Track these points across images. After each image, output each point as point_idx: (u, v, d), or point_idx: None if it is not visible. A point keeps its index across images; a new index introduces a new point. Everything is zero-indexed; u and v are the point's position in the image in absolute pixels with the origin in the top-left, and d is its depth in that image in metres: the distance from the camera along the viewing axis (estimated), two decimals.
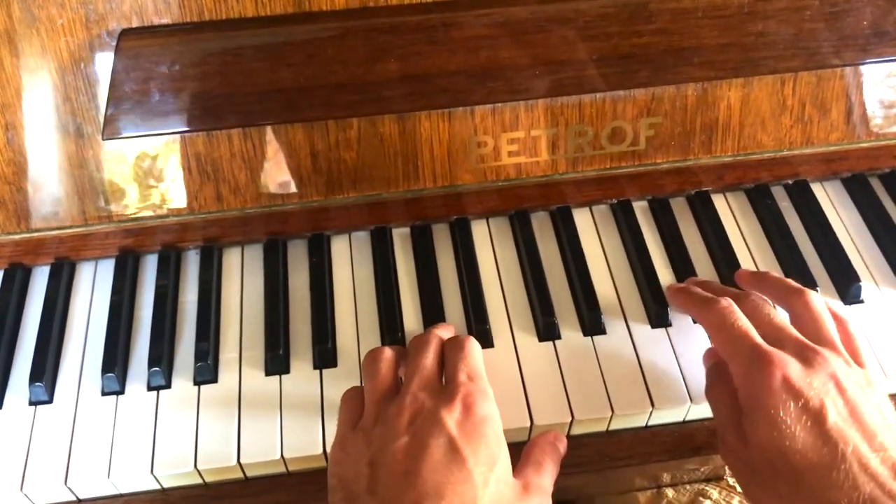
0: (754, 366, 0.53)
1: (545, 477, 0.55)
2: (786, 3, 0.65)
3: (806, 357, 0.53)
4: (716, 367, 0.60)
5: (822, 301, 0.59)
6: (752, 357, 0.54)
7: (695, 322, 0.67)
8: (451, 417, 0.51)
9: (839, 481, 0.49)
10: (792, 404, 0.51)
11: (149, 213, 0.69)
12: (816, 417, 0.51)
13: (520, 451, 0.57)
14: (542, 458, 0.56)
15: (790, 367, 0.52)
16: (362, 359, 0.59)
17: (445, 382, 0.56)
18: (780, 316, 0.58)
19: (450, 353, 0.57)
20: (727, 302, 0.58)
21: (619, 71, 0.65)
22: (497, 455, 0.52)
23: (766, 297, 0.60)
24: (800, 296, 0.58)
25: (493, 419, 0.53)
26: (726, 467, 0.73)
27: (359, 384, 0.64)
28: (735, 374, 0.56)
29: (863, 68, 0.69)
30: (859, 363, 0.56)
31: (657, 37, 0.65)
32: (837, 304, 0.68)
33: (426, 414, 0.52)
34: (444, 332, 0.61)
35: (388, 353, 0.58)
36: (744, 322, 0.57)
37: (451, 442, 0.50)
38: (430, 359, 0.57)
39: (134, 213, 0.69)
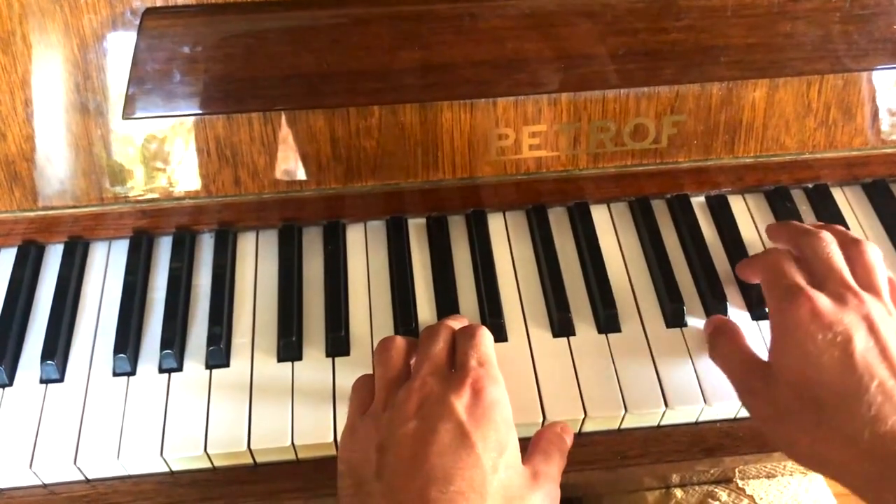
0: (786, 298, 0.56)
1: (553, 466, 0.55)
2: (815, 4, 0.64)
3: (843, 296, 0.55)
4: (718, 328, 0.62)
5: (878, 253, 0.59)
6: (786, 291, 0.56)
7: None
8: (461, 402, 0.51)
9: (862, 412, 0.50)
10: (820, 335, 0.53)
11: (164, 194, 0.68)
12: (844, 349, 0.52)
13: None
14: (550, 447, 0.56)
15: (820, 300, 0.54)
16: (375, 347, 0.59)
17: (456, 369, 0.56)
18: (839, 258, 0.58)
19: (461, 341, 0.57)
20: (782, 248, 0.62)
21: (645, 67, 0.65)
22: (506, 441, 0.51)
23: (833, 238, 0.60)
24: (856, 245, 0.59)
25: (503, 405, 0.53)
26: (736, 470, 0.73)
27: (371, 373, 0.64)
28: (770, 309, 0.58)
29: (890, 74, 0.69)
30: None
31: (684, 34, 0.64)
32: None
33: (435, 399, 0.52)
34: (455, 323, 0.61)
35: (399, 341, 0.58)
36: (789, 265, 0.59)
37: (459, 427, 0.50)
38: (440, 347, 0.57)
39: (149, 194, 0.68)
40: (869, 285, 0.57)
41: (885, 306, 0.56)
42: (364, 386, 0.57)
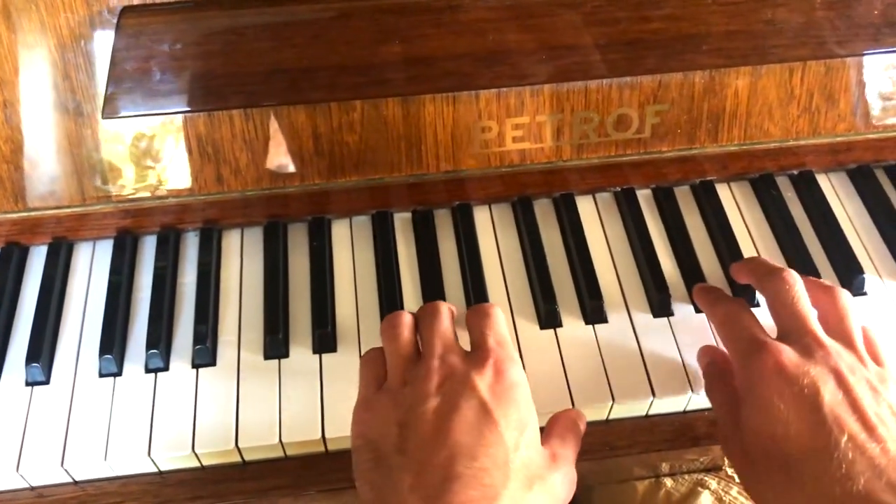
0: (751, 354, 0.54)
1: (569, 449, 0.55)
2: None
3: (808, 347, 0.53)
4: (712, 364, 0.60)
5: (851, 299, 0.58)
6: (748, 345, 0.55)
7: (697, 311, 0.66)
8: (483, 381, 0.52)
9: (832, 470, 0.48)
10: (787, 390, 0.51)
11: (148, 193, 0.68)
12: (812, 404, 0.50)
13: None
14: (566, 432, 0.56)
15: (785, 353, 0.52)
16: (382, 323, 0.59)
17: (473, 348, 0.56)
18: (804, 303, 0.56)
19: (475, 320, 0.57)
20: (736, 300, 0.59)
21: (626, 57, 0.65)
22: (527, 420, 0.52)
23: (798, 279, 0.58)
24: (828, 292, 0.58)
25: (523, 385, 0.53)
26: (726, 458, 0.73)
27: (357, 370, 0.63)
28: (734, 364, 0.56)
29: (873, 59, 0.69)
30: (878, 362, 0.55)
31: (665, 23, 0.64)
32: None
33: (458, 377, 0.52)
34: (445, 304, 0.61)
35: (407, 317, 0.58)
36: (747, 316, 0.57)
37: (482, 405, 0.50)
38: (446, 323, 0.57)
39: (133, 194, 0.68)
40: (840, 334, 0.55)
41: (857, 355, 0.54)
42: (375, 359, 0.57)
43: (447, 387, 0.52)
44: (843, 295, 0.57)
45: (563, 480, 0.53)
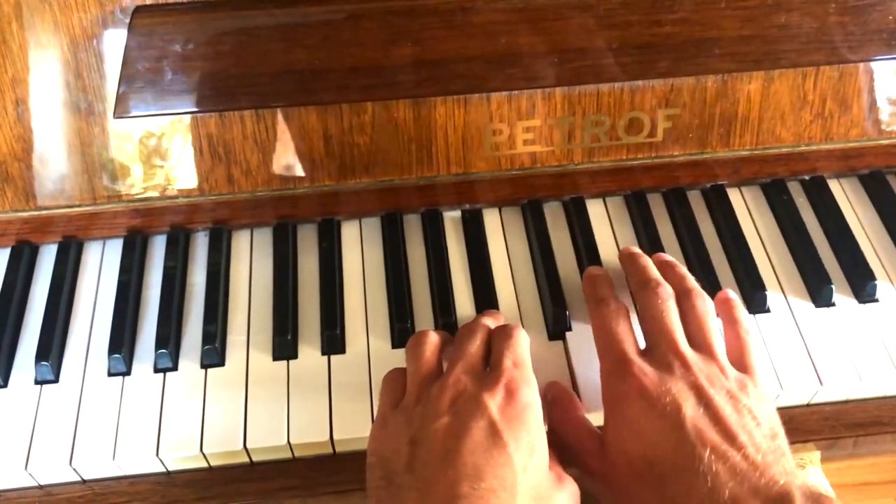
0: (614, 373, 0.55)
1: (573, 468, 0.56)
2: None
3: (670, 364, 0.54)
4: (557, 400, 0.60)
5: (709, 304, 0.59)
6: (613, 363, 0.56)
7: None
8: (494, 401, 0.51)
9: (699, 485, 0.49)
10: (650, 410, 0.52)
11: (158, 193, 0.68)
12: (674, 422, 0.51)
13: None
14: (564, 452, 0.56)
15: (647, 375, 0.53)
16: (408, 341, 0.58)
17: (490, 369, 0.55)
18: (672, 318, 0.57)
19: (496, 341, 0.57)
20: (615, 305, 0.59)
21: (639, 60, 0.64)
22: (537, 444, 0.51)
23: (671, 293, 0.59)
24: (687, 297, 0.59)
25: (535, 408, 0.53)
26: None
27: (366, 372, 0.64)
28: (602, 372, 0.57)
29: (886, 65, 0.68)
30: (743, 367, 0.56)
31: (678, 26, 0.64)
32: (851, 303, 0.67)
33: (468, 396, 0.52)
34: (492, 321, 0.61)
35: (432, 336, 0.58)
36: (620, 327, 0.58)
37: (492, 425, 0.50)
38: (476, 346, 0.57)
39: (143, 193, 0.68)
40: (701, 343, 0.56)
41: (718, 364, 0.55)
42: (395, 379, 0.57)
43: (458, 406, 0.52)
44: (700, 301, 0.59)
45: (570, 499, 0.53)
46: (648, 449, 0.52)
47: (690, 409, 0.51)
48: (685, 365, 0.54)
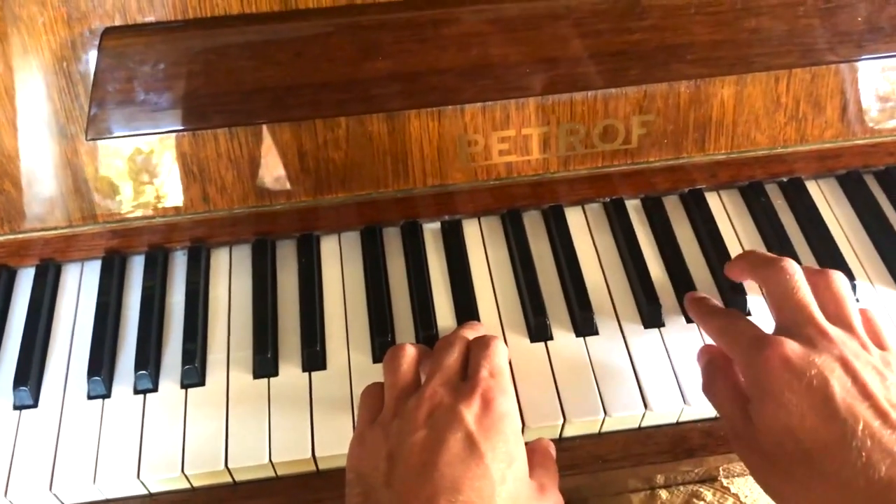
0: (755, 350, 0.53)
1: (552, 479, 0.55)
2: None
3: (812, 338, 0.53)
4: (712, 362, 0.59)
5: (846, 282, 0.57)
6: (749, 343, 0.54)
7: (688, 321, 0.66)
8: (470, 412, 0.51)
9: (853, 460, 0.48)
10: (795, 383, 0.50)
11: (135, 213, 0.68)
12: (823, 395, 0.50)
13: None
14: (545, 461, 0.56)
15: (789, 346, 0.52)
16: (385, 355, 0.58)
17: (467, 379, 0.55)
18: (806, 292, 0.56)
19: (473, 352, 0.57)
20: (730, 312, 0.59)
21: (611, 68, 0.65)
22: (515, 453, 0.51)
23: (798, 268, 0.58)
24: (822, 276, 0.57)
25: (513, 417, 0.53)
26: (720, 468, 0.72)
27: (347, 387, 0.63)
28: (738, 364, 0.56)
29: (857, 65, 0.68)
30: (881, 345, 0.55)
31: (649, 33, 0.64)
32: None
33: (444, 408, 0.52)
34: (471, 332, 0.60)
35: (409, 349, 0.58)
36: (744, 323, 0.57)
37: (468, 437, 0.50)
38: (453, 358, 0.56)
39: (120, 214, 0.68)
40: (840, 319, 0.55)
41: (859, 340, 0.53)
42: (373, 394, 0.57)
43: (435, 418, 0.51)
44: (838, 279, 0.57)
45: None
46: (796, 422, 0.50)
47: (838, 383, 0.50)
48: (827, 338, 0.52)
